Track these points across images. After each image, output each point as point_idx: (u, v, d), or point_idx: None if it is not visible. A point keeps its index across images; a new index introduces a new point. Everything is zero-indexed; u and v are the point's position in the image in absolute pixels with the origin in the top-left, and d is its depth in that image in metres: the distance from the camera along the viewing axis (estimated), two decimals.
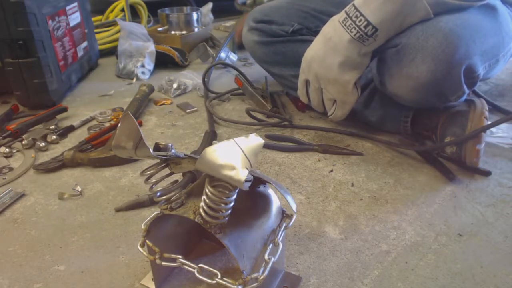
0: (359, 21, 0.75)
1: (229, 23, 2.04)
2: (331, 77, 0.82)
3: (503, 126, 0.93)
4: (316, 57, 0.83)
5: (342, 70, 0.81)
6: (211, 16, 1.85)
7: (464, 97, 0.82)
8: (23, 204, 0.75)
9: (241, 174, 0.42)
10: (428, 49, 0.75)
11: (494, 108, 1.06)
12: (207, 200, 0.45)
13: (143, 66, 1.41)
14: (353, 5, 0.77)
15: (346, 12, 0.78)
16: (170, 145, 0.48)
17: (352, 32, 0.77)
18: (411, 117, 0.89)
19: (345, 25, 0.77)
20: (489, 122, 0.78)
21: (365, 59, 0.81)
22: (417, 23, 0.77)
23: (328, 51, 0.81)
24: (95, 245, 0.64)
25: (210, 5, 1.85)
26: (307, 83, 0.90)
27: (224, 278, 0.46)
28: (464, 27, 0.75)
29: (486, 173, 0.80)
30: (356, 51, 0.78)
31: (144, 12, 1.93)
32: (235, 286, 0.45)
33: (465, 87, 0.79)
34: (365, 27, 0.75)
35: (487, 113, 0.79)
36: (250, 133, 0.47)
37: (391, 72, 0.83)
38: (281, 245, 0.49)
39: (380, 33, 0.76)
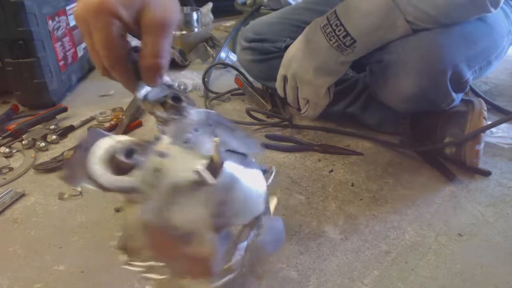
0: (339, 31, 0.75)
1: (229, 23, 2.04)
2: (306, 79, 0.83)
3: (503, 126, 0.94)
4: (295, 57, 0.84)
5: (317, 74, 0.81)
6: (211, 16, 1.85)
7: (456, 103, 0.81)
8: (23, 204, 0.75)
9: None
10: (410, 63, 0.76)
11: (493, 108, 1.06)
12: None
13: None
14: (335, 11, 0.77)
15: (327, 18, 0.77)
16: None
17: (331, 40, 0.77)
18: (410, 119, 0.89)
19: (325, 31, 0.77)
20: (488, 122, 0.78)
21: (341, 68, 0.81)
22: (397, 39, 0.77)
23: (306, 54, 0.81)
24: (95, 245, 0.64)
25: (210, 5, 1.85)
26: (285, 78, 0.90)
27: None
28: (446, 36, 0.75)
29: (486, 173, 0.80)
30: (333, 59, 0.79)
31: None
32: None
33: (453, 94, 0.79)
34: (344, 37, 0.75)
35: (485, 113, 0.79)
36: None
37: (379, 85, 0.84)
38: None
39: (358, 45, 0.76)
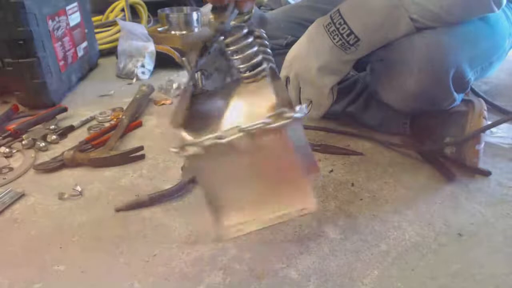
0: (342, 29, 0.75)
1: None
2: (310, 79, 0.83)
3: (503, 126, 0.93)
4: (298, 57, 0.84)
5: (321, 74, 0.81)
6: (211, 16, 1.85)
7: (457, 103, 0.81)
8: (23, 204, 0.75)
9: None
10: (413, 61, 0.75)
11: (493, 108, 1.06)
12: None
13: (143, 66, 1.41)
14: (338, 10, 0.77)
15: (331, 17, 0.77)
16: None
17: (334, 39, 0.77)
18: (410, 119, 0.89)
19: (328, 30, 0.77)
20: (488, 122, 0.78)
21: (345, 67, 0.81)
22: (401, 37, 0.77)
23: (309, 54, 0.81)
24: (95, 245, 0.64)
25: (210, 5, 1.85)
26: (287, 79, 0.90)
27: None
28: (449, 35, 0.75)
29: (486, 173, 0.80)
30: (336, 58, 0.79)
31: (144, 12, 1.93)
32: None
33: (455, 94, 0.79)
34: (348, 35, 0.75)
35: (486, 113, 0.79)
36: None
37: (381, 84, 0.84)
38: None
39: (362, 44, 0.76)
